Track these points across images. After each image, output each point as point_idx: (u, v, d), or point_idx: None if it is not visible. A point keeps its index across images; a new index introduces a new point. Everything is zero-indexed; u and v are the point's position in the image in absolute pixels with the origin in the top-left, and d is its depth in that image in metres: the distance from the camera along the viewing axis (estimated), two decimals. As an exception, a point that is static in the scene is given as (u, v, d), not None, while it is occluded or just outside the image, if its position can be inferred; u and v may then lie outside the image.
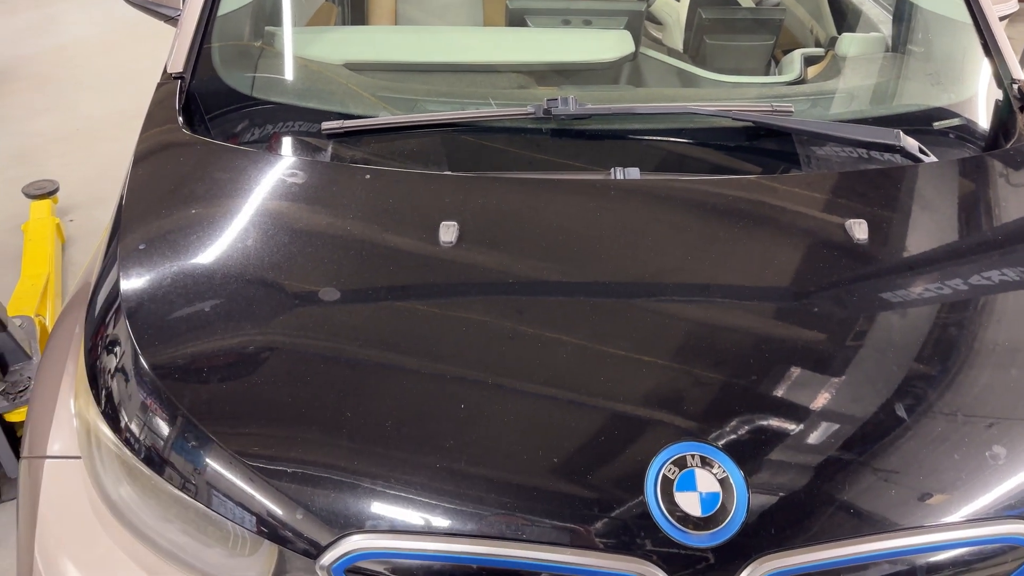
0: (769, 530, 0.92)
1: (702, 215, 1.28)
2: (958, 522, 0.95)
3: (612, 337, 1.09)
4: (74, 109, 4.38)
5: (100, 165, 3.78)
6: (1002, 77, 1.59)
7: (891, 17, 1.94)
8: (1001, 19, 1.80)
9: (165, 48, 1.62)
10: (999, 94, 1.58)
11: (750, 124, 1.43)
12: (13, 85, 4.70)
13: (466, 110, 1.45)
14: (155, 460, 1.04)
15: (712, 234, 1.23)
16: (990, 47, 1.62)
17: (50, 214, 3.17)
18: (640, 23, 1.87)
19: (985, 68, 1.62)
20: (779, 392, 1.03)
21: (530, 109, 1.41)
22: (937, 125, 1.54)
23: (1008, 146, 1.45)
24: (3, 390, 2.03)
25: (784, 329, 1.12)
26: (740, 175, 1.37)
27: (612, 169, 1.34)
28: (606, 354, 1.07)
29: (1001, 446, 0.99)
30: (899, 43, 1.83)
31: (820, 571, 0.93)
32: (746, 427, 0.99)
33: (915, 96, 1.69)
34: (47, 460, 1.17)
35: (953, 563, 0.95)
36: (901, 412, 1.02)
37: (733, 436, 0.98)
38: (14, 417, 2.03)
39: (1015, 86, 1.57)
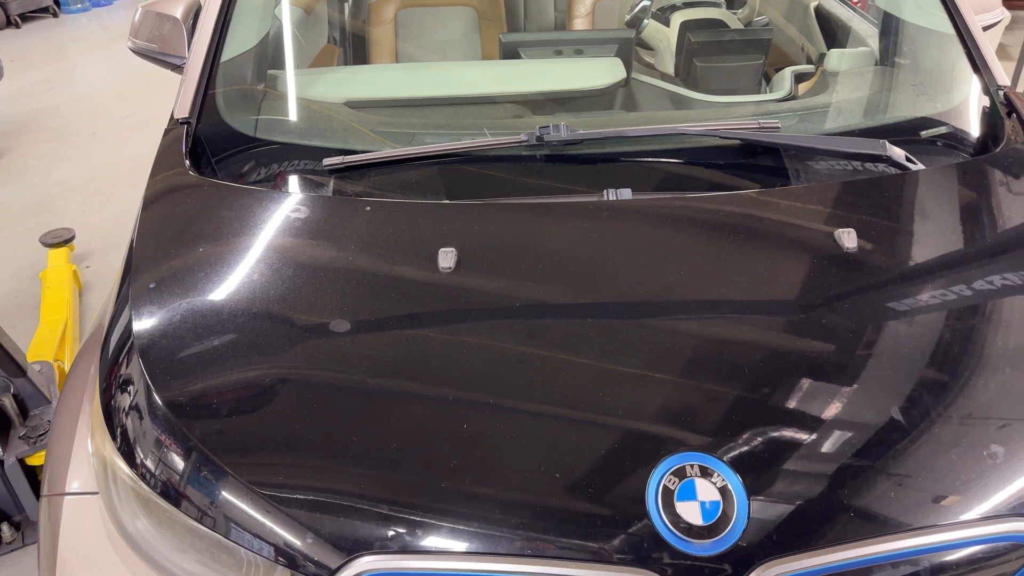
0: (771, 536, 0.93)
1: (693, 232, 1.30)
2: (961, 522, 0.95)
3: (609, 354, 1.11)
4: (90, 158, 4.51)
5: (115, 211, 3.88)
6: (988, 84, 1.61)
7: (878, 32, 1.97)
8: (986, 29, 1.83)
9: (174, 96, 1.69)
10: (986, 101, 1.60)
11: (739, 142, 1.46)
12: (31, 136, 4.85)
13: (462, 141, 1.49)
14: (170, 492, 1.07)
15: (703, 250, 1.26)
16: (975, 56, 1.65)
17: (67, 261, 3.25)
18: (630, 50, 1.92)
19: (971, 77, 1.64)
20: (776, 400, 1.05)
21: (524, 137, 1.45)
22: (926, 134, 1.56)
23: (996, 150, 1.47)
24: (24, 434, 2.08)
25: (779, 339, 1.14)
26: (730, 192, 1.39)
27: (605, 191, 1.38)
28: (604, 371, 1.09)
29: (999, 445, 1.00)
30: (887, 56, 1.87)
31: (824, 575, 0.93)
32: (744, 436, 1.00)
33: (904, 107, 1.72)
34: (66, 497, 1.21)
35: (957, 563, 0.95)
36: (898, 415, 1.03)
37: (731, 445, 0.99)
38: (35, 461, 2.07)
39: (1001, 92, 1.59)
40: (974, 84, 1.63)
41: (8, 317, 2.97)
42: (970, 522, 0.96)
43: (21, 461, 2.04)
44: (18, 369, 2.07)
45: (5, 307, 3.14)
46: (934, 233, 1.31)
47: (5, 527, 2.11)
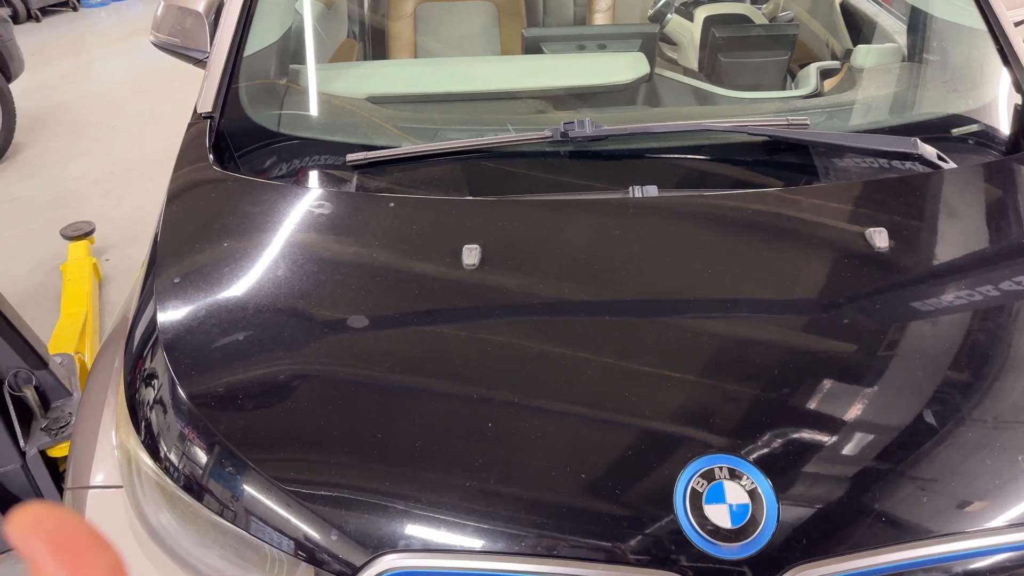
0: (800, 540, 0.92)
1: (721, 230, 1.29)
2: (992, 528, 0.94)
3: (636, 353, 1.10)
4: (108, 152, 4.53)
5: (134, 205, 3.90)
6: (1020, 81, 1.58)
7: (905, 27, 1.94)
8: (1017, 24, 1.80)
9: (192, 92, 1.69)
10: (1017, 99, 1.57)
11: (766, 139, 1.44)
12: (50, 131, 4.88)
13: (485, 137, 1.48)
14: (193, 487, 1.07)
15: (731, 248, 1.24)
16: (1006, 52, 1.62)
17: (87, 254, 3.27)
18: (654, 45, 1.90)
19: (1002, 73, 1.61)
20: (806, 403, 1.03)
21: (548, 133, 1.44)
22: (956, 132, 1.54)
23: (1029, 149, 1.45)
24: (45, 426, 2.09)
25: (809, 340, 1.12)
26: (758, 189, 1.38)
27: (630, 188, 1.36)
28: (631, 370, 1.08)
29: (1035, 451, 0.98)
30: (915, 53, 1.84)
31: (854, 581, 0.92)
32: (774, 438, 0.99)
33: (933, 104, 1.69)
34: (90, 490, 1.21)
35: (989, 570, 0.93)
36: (931, 419, 1.01)
37: (761, 447, 0.98)
38: (56, 452, 2.08)
39: (1033, 89, 1.56)
40: (1005, 81, 1.60)
41: (29, 309, 2.99)
42: (1001, 529, 0.94)
43: (43, 453, 2.05)
44: (40, 361, 2.08)
45: (26, 299, 3.17)
46: (966, 233, 1.29)
47: (26, 518, 2.13)
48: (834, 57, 2.08)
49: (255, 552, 1.05)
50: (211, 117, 1.60)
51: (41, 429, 2.08)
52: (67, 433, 2.07)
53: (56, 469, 2.11)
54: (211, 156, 1.50)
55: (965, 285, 1.18)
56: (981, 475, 0.96)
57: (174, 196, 1.45)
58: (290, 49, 1.84)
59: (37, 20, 7.50)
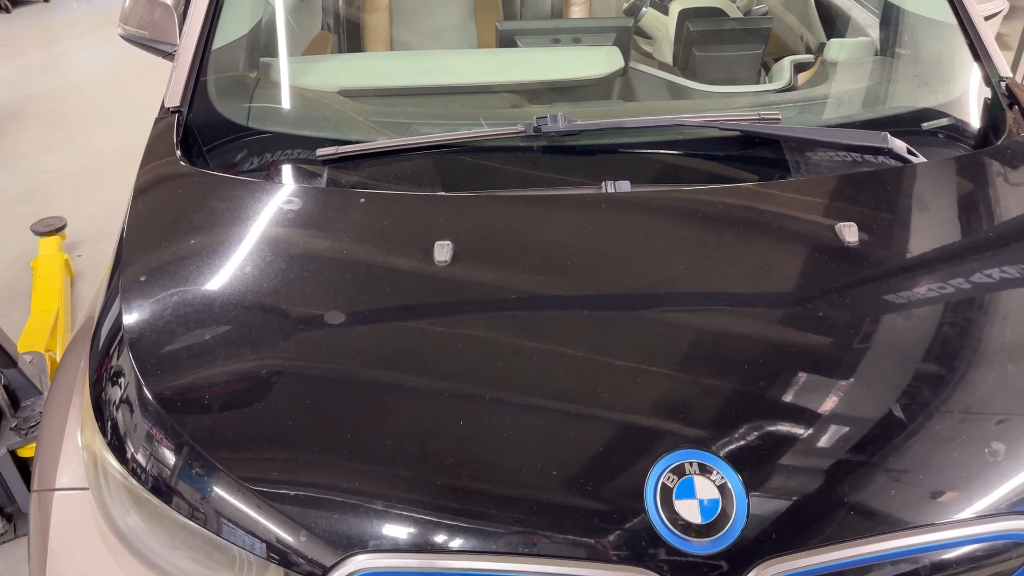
0: (771, 534, 0.92)
1: (692, 224, 1.29)
2: (961, 520, 0.95)
3: (607, 348, 1.09)
4: (81, 146, 4.45)
5: (107, 200, 3.84)
6: (990, 75, 1.60)
7: (878, 21, 1.95)
8: (987, 19, 1.81)
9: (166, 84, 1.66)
10: (987, 92, 1.59)
11: (738, 133, 1.44)
12: (21, 123, 4.79)
13: (458, 131, 1.47)
14: (161, 489, 1.06)
15: (703, 243, 1.24)
16: (977, 47, 1.63)
17: (58, 250, 3.21)
18: (629, 38, 1.89)
19: (973, 67, 1.63)
20: (776, 397, 1.04)
21: (520, 128, 1.43)
22: (927, 126, 1.55)
23: (998, 143, 1.46)
24: (15, 426, 2.06)
25: (779, 334, 1.13)
26: (729, 184, 1.38)
27: (603, 183, 1.36)
28: (602, 365, 1.08)
29: (1001, 443, 0.99)
30: (887, 46, 1.84)
31: (824, 574, 0.92)
32: (743, 433, 0.99)
33: (904, 98, 1.70)
34: (56, 492, 1.19)
35: (957, 561, 0.95)
36: (899, 412, 1.02)
37: (731, 442, 0.98)
38: (27, 452, 2.05)
39: (1003, 84, 1.58)
40: (975, 75, 1.61)
41: (-1, 307, 2.94)
42: (970, 520, 0.95)
43: (12, 452, 2.02)
44: (8, 360, 2.05)
45: (-4, 296, 3.11)
46: (936, 227, 1.30)
47: (-4, 518, 2.10)
48: (808, 51, 2.09)
49: (224, 554, 1.04)
50: (179, 111, 1.57)
51: (11, 429, 2.05)
52: (37, 433, 2.04)
53: (26, 469, 2.08)
54: (179, 151, 1.48)
55: (934, 279, 1.19)
56: (950, 467, 0.97)
57: (140, 192, 1.43)
58: (261, 42, 1.81)
59: (7, 11, 7.35)
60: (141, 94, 5.08)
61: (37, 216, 3.45)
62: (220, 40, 1.68)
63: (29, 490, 2.02)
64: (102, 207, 3.78)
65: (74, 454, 1.21)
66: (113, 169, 4.11)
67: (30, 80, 5.51)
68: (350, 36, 2.40)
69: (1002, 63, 1.62)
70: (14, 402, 2.10)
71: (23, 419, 2.08)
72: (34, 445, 2.01)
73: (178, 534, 1.07)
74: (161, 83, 1.65)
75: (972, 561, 0.96)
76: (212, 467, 1.02)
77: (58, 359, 2.49)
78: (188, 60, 1.62)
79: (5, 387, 2.06)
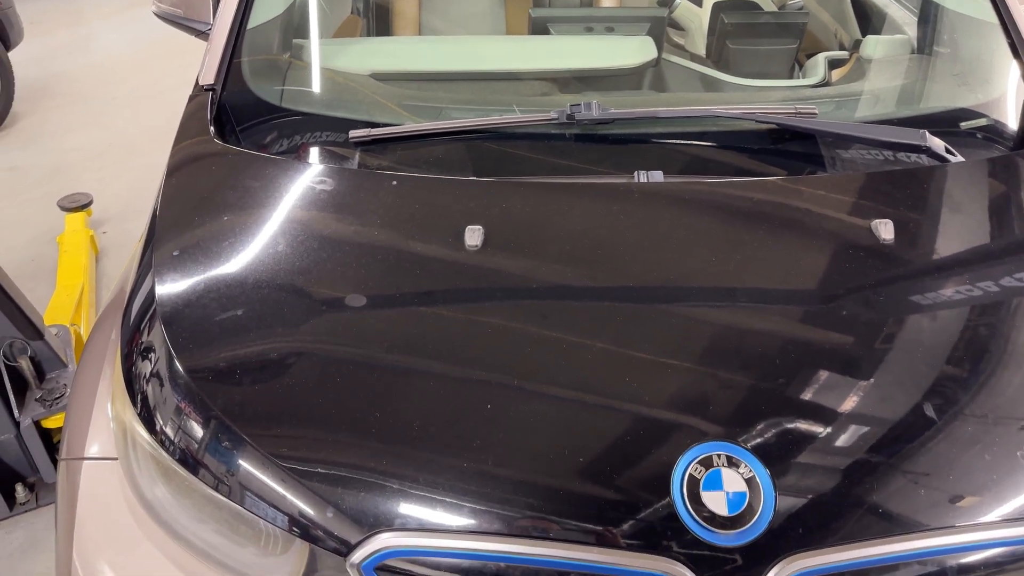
0: (797, 529, 0.92)
1: (725, 217, 1.28)
2: (988, 523, 0.94)
3: (638, 339, 1.09)
4: (108, 125, 4.49)
5: (133, 179, 3.87)
6: (1030, 76, 1.57)
7: (916, 19, 1.93)
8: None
9: (194, 66, 1.67)
10: (1028, 93, 1.56)
11: (773, 127, 1.43)
12: (50, 102, 4.84)
13: (490, 117, 1.47)
14: (189, 461, 1.07)
15: (735, 236, 1.23)
16: (1018, 46, 1.61)
17: (84, 226, 3.25)
18: (662, 29, 1.88)
19: (1012, 67, 1.60)
20: (805, 393, 1.03)
21: (553, 115, 1.42)
22: (964, 125, 1.53)
23: (1037, 145, 1.44)
24: (40, 397, 2.09)
25: (810, 331, 1.12)
26: (763, 177, 1.37)
27: (636, 173, 1.35)
28: (632, 356, 1.07)
29: (1033, 446, 0.98)
30: (924, 44, 1.82)
31: (848, 571, 0.92)
32: (773, 427, 0.99)
33: (941, 97, 1.68)
34: (85, 461, 1.21)
35: (983, 564, 0.94)
36: (930, 413, 1.01)
37: (760, 436, 0.98)
38: (51, 423, 2.08)
39: (1044, 85, 1.55)
40: (1015, 75, 1.59)
41: (26, 280, 2.97)
42: (996, 523, 0.94)
43: (37, 423, 2.05)
44: (35, 332, 2.08)
45: (22, 270, 3.15)
46: (971, 228, 1.28)
47: (20, 488, 2.13)
48: (843, 47, 2.06)
49: (250, 527, 1.05)
50: (213, 90, 1.58)
51: (36, 400, 2.08)
52: (62, 404, 2.07)
53: (50, 440, 2.11)
54: (212, 129, 1.49)
55: (967, 279, 1.18)
56: (977, 470, 0.96)
57: (174, 169, 1.44)
58: (294, 23, 1.82)
59: (37, -11, 7.40)
60: (165, 76, 5.11)
61: (64, 192, 3.48)
62: (254, 20, 1.69)
63: (52, 460, 2.06)
64: (127, 186, 3.81)
65: (103, 424, 1.23)
66: (139, 150, 4.15)
67: (59, 59, 5.56)
68: (379, 21, 2.40)
69: (1043, 64, 1.59)
70: (40, 374, 2.12)
71: (48, 391, 2.10)
72: (59, 417, 2.05)
73: (205, 507, 1.08)
74: (185, 66, 1.66)
75: (996, 565, 0.95)
76: (241, 441, 1.02)
77: (83, 333, 2.52)
78: (223, 39, 1.63)
79: (31, 359, 2.08)
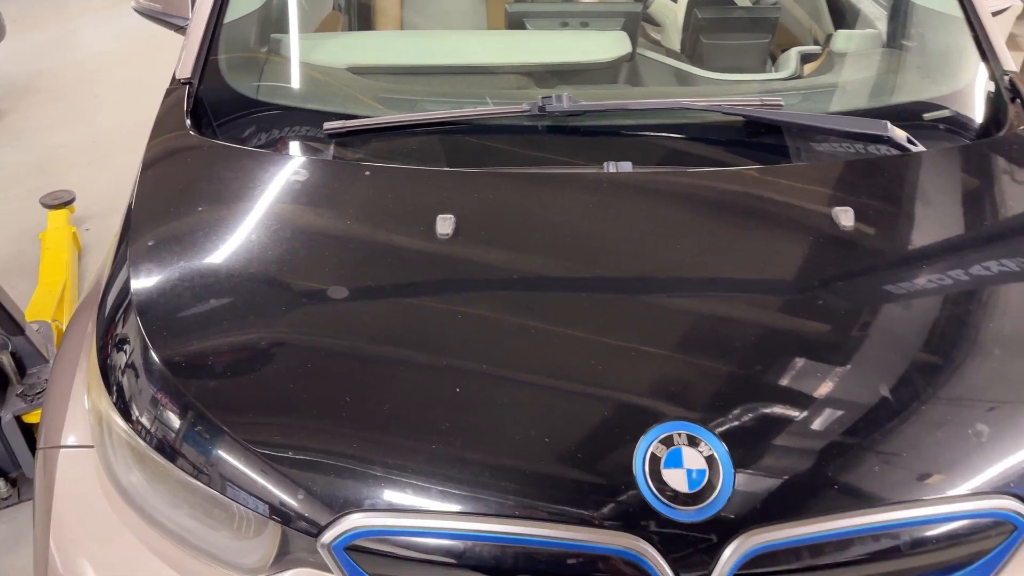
0: (755, 505, 0.95)
1: (691, 207, 1.31)
2: (942, 497, 0.97)
3: (602, 324, 1.12)
4: (92, 121, 4.47)
5: (116, 176, 3.86)
6: (994, 69, 1.61)
7: (887, 14, 1.96)
8: (995, 14, 1.82)
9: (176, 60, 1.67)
10: (991, 86, 1.60)
11: (740, 118, 1.46)
12: (33, 98, 4.81)
13: (463, 109, 1.49)
14: (164, 447, 1.08)
15: (700, 225, 1.26)
16: (982, 41, 1.64)
17: (67, 223, 3.24)
18: (637, 24, 1.90)
19: (977, 61, 1.64)
20: (765, 376, 1.06)
21: (526, 107, 1.45)
22: (929, 117, 1.56)
23: (999, 135, 1.47)
24: (21, 392, 2.09)
25: (772, 316, 1.15)
26: (729, 168, 1.39)
27: (605, 163, 1.38)
28: (596, 340, 1.10)
29: (985, 425, 1.01)
30: (894, 39, 1.85)
31: (806, 545, 0.95)
32: (733, 408, 1.02)
33: (909, 90, 1.71)
34: (62, 450, 1.22)
35: (937, 538, 0.97)
36: (887, 394, 1.04)
37: (720, 416, 1.01)
38: (32, 419, 2.08)
39: (1006, 78, 1.59)
40: (980, 68, 1.62)
41: (7, 277, 2.97)
42: (951, 498, 0.97)
43: (18, 418, 2.05)
44: (16, 327, 2.08)
45: (4, 267, 3.14)
46: (931, 215, 1.31)
47: (1, 483, 2.13)
48: (815, 42, 2.10)
49: (223, 511, 1.06)
50: (189, 83, 1.59)
51: (17, 395, 2.08)
52: (43, 399, 2.07)
53: (31, 435, 2.11)
54: (188, 122, 1.50)
55: (927, 267, 1.21)
56: (934, 448, 0.99)
57: (150, 162, 1.45)
58: (272, 17, 1.83)
59: (20, -14, 7.35)
60: (150, 72, 5.07)
61: (46, 190, 3.47)
62: (232, 14, 1.70)
63: (33, 455, 2.07)
64: (111, 183, 3.80)
65: (80, 414, 1.24)
66: (123, 146, 4.13)
67: (42, 55, 5.53)
68: (360, 18, 2.41)
69: (1007, 57, 1.63)
70: (21, 369, 2.13)
71: (29, 386, 2.11)
72: (39, 412, 2.05)
73: (179, 492, 1.09)
74: (169, 62, 1.67)
75: (952, 538, 0.98)
76: (215, 428, 1.04)
77: (64, 329, 2.52)
78: (200, 32, 1.64)
79: (12, 354, 2.09)
